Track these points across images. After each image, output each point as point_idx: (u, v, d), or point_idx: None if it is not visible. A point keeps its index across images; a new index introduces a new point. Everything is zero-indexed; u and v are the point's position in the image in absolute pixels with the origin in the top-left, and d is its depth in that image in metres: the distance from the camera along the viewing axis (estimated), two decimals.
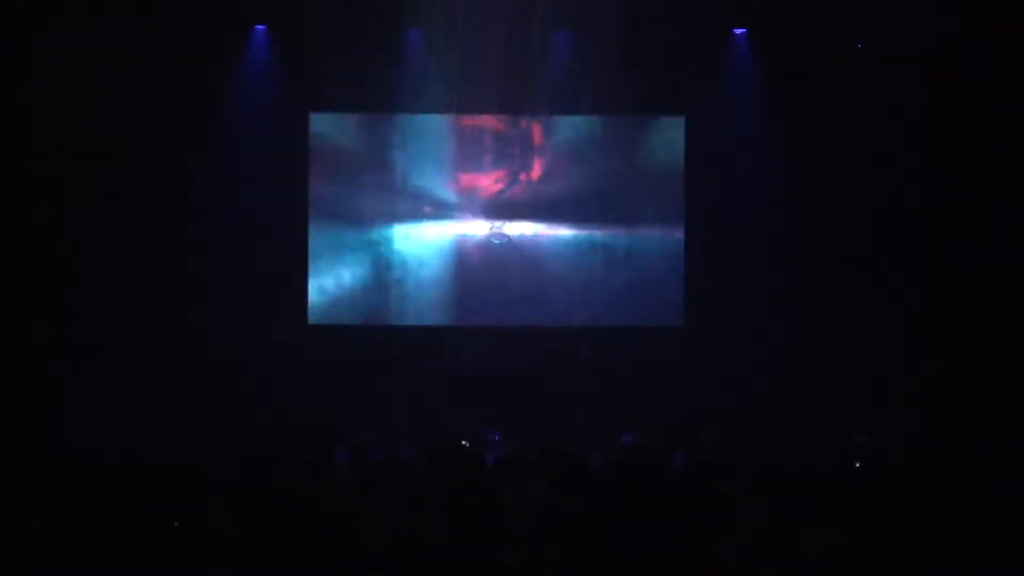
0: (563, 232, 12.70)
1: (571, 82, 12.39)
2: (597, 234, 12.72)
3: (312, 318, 12.64)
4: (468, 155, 12.62)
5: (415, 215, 12.66)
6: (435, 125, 12.59)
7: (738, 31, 12.65)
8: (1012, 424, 10.82)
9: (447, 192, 12.64)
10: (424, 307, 12.63)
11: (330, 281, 12.65)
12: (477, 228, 12.66)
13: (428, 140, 12.57)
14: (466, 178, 12.65)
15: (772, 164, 12.53)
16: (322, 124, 12.70)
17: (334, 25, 12.05)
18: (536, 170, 12.61)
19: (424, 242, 12.68)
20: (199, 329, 12.19)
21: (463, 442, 10.18)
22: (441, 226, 12.67)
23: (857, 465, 8.73)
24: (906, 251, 12.20)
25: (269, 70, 12.52)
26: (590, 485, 6.72)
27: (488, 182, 12.65)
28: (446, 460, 7.66)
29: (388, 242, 12.67)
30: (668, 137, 12.79)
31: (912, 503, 6.30)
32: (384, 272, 12.65)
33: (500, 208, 12.64)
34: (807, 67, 12.28)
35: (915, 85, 11.95)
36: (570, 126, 12.65)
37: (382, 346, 12.47)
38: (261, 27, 12.52)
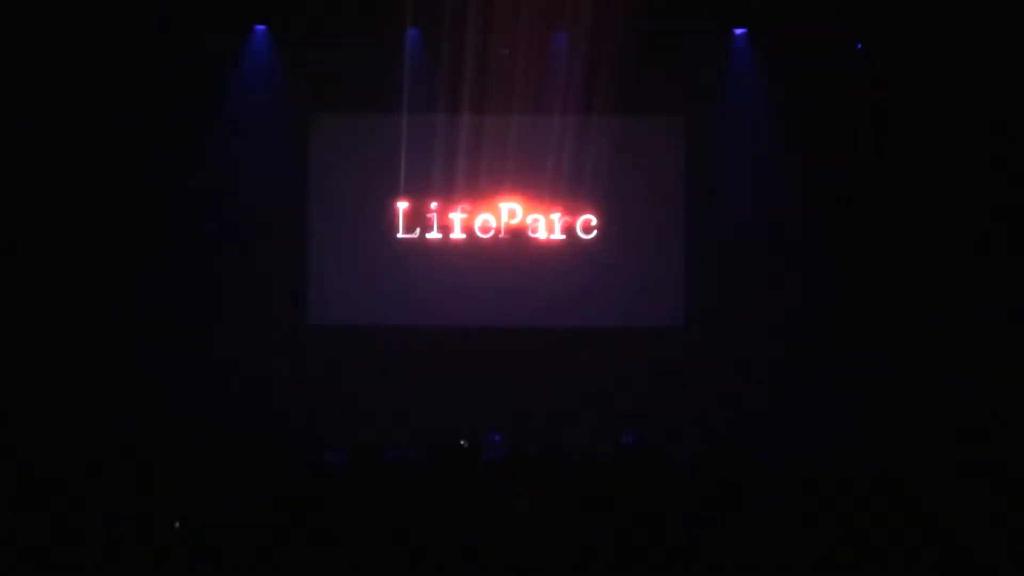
0: (562, 232, 12.69)
1: (571, 82, 12.38)
2: (597, 234, 12.70)
3: (312, 318, 12.63)
4: (468, 155, 12.59)
5: (415, 215, 12.64)
6: (434, 125, 12.55)
7: (738, 31, 12.65)
8: (1012, 423, 10.82)
9: (446, 192, 12.61)
10: (424, 307, 12.61)
11: (329, 281, 12.64)
12: (477, 228, 12.64)
13: (428, 140, 12.53)
14: (466, 178, 12.61)
15: (772, 164, 12.53)
16: (322, 124, 12.69)
17: (334, 25, 12.06)
18: (535, 170, 12.58)
19: (424, 242, 12.66)
20: (198, 329, 12.19)
21: (463, 442, 10.18)
22: (442, 226, 12.65)
23: (857, 464, 8.73)
24: (907, 250, 12.20)
25: (269, 70, 12.52)
26: (590, 485, 6.72)
27: (488, 182, 12.62)
28: (446, 460, 7.66)
29: (388, 242, 12.65)
30: (668, 137, 12.78)
31: (912, 503, 6.30)
32: (383, 272, 12.63)
33: (500, 208, 12.63)
34: (807, 67, 12.27)
35: (915, 85, 11.96)
36: (570, 126, 12.61)
37: (382, 346, 12.45)
38: (261, 27, 12.52)
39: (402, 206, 12.64)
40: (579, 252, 12.69)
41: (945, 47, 11.78)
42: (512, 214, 12.67)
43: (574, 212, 12.68)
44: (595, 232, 12.70)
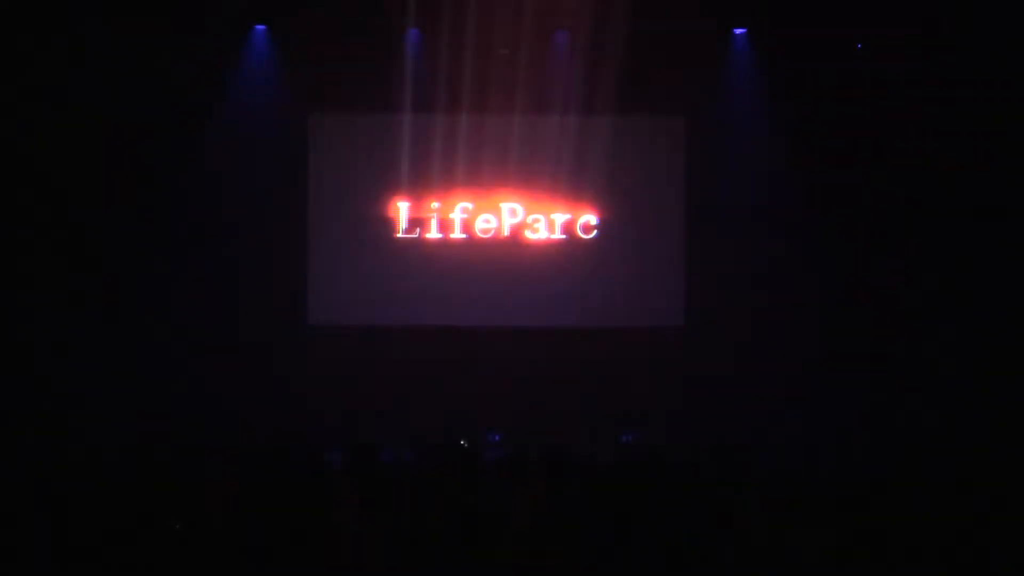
0: (562, 232, 12.69)
1: (571, 82, 12.38)
2: (597, 234, 12.70)
3: (312, 318, 12.63)
4: (468, 155, 12.59)
5: (415, 215, 12.64)
6: (434, 125, 12.53)
7: (738, 31, 12.65)
8: (1012, 423, 10.82)
9: (447, 192, 12.60)
10: (424, 307, 12.61)
11: (329, 281, 12.64)
12: (477, 228, 12.64)
13: (428, 140, 12.52)
14: (466, 178, 12.60)
15: (772, 164, 12.53)
16: (322, 124, 12.69)
17: (334, 25, 12.06)
18: (535, 170, 12.57)
19: (424, 242, 12.66)
20: (198, 329, 12.18)
21: (462, 442, 10.18)
22: (442, 226, 12.65)
23: (857, 464, 8.73)
24: (907, 250, 12.20)
25: (269, 70, 12.52)
26: (590, 485, 6.72)
27: (488, 182, 12.61)
28: (445, 460, 7.65)
29: (388, 242, 12.65)
30: (668, 137, 12.78)
31: (910, 502, 6.30)
32: (383, 272, 12.62)
33: (500, 208, 12.63)
34: (807, 67, 12.28)
35: (915, 85, 11.96)
36: (570, 126, 12.60)
37: (382, 346, 12.45)
38: (261, 27, 12.52)
39: (402, 206, 12.64)
40: (579, 252, 12.69)
41: (945, 47, 11.78)
42: (512, 214, 12.67)
43: (574, 212, 12.68)
44: (595, 232, 12.71)
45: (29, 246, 11.77)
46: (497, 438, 11.75)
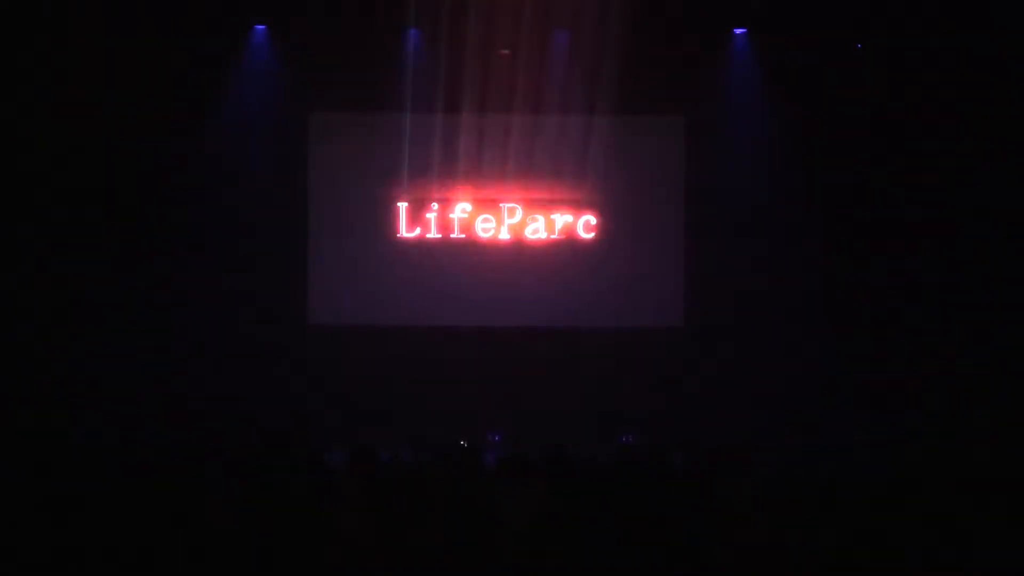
0: (562, 232, 12.69)
1: (571, 82, 12.38)
2: (596, 234, 12.70)
3: (312, 318, 12.63)
4: (468, 155, 12.59)
5: (415, 215, 12.64)
6: (435, 124, 12.54)
7: (738, 31, 12.65)
8: (1012, 422, 10.82)
9: (447, 192, 12.61)
10: (424, 307, 12.61)
11: (329, 281, 12.63)
12: (477, 228, 12.64)
13: (428, 140, 12.52)
14: (466, 178, 12.61)
15: (772, 164, 12.53)
16: (322, 124, 12.69)
17: (334, 25, 12.06)
18: (535, 170, 12.58)
19: (424, 242, 12.66)
20: (199, 329, 12.18)
21: (462, 442, 10.18)
22: (442, 226, 12.66)
23: (857, 464, 8.73)
24: (906, 250, 12.20)
25: (269, 70, 12.52)
26: (590, 485, 6.72)
27: (488, 182, 12.62)
28: (445, 460, 7.65)
29: (388, 242, 12.65)
30: (668, 137, 12.78)
31: (910, 502, 6.30)
32: (383, 272, 12.62)
33: (500, 208, 12.63)
34: (807, 67, 12.28)
35: (914, 85, 11.97)
36: (570, 126, 12.61)
37: (382, 346, 12.45)
38: (261, 27, 12.52)
39: (402, 206, 12.64)
40: (579, 252, 12.69)
41: (945, 47, 11.79)
42: (512, 214, 12.67)
43: (574, 212, 12.68)
44: (595, 232, 12.70)
45: (29, 245, 11.78)
46: (497, 438, 11.75)
